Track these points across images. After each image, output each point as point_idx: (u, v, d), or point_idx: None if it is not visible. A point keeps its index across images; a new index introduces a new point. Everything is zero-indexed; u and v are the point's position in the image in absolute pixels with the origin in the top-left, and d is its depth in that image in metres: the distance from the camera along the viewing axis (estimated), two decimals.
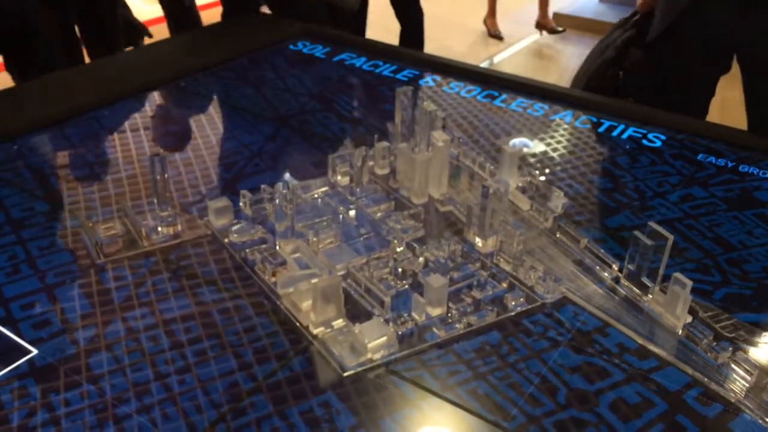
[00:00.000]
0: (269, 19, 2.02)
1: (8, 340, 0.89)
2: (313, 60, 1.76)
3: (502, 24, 4.36)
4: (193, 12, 2.97)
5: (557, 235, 1.09)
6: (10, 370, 0.84)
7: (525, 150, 1.36)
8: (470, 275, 1.00)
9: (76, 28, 2.40)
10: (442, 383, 0.84)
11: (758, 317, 0.94)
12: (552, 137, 1.42)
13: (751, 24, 1.61)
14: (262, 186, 1.13)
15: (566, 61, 4.03)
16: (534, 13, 4.34)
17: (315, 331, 0.90)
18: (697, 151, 1.35)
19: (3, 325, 0.91)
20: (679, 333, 0.91)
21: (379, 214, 1.12)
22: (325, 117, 1.49)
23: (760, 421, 0.80)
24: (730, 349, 0.87)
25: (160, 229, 1.08)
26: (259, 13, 2.12)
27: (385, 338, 0.87)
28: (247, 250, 1.04)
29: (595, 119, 1.47)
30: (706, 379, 0.85)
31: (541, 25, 4.36)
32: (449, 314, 0.93)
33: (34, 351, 0.87)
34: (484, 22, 4.41)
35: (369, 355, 0.86)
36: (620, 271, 1.00)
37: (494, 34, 4.35)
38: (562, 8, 4.48)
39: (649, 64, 1.81)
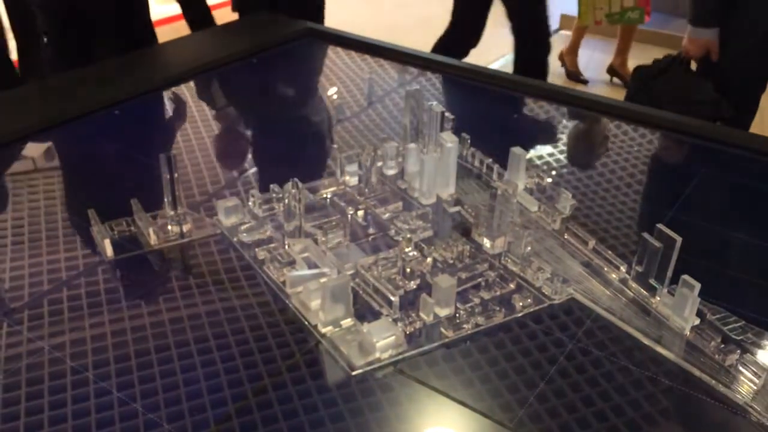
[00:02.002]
0: (277, 20, 2.02)
1: (19, 334, 0.90)
2: (321, 60, 1.76)
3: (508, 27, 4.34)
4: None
5: (565, 237, 1.09)
6: (21, 364, 0.85)
7: (533, 152, 1.36)
8: (478, 276, 1.00)
9: None
10: (449, 383, 0.84)
11: (766, 320, 0.94)
12: (560, 139, 1.42)
13: None
14: (271, 186, 1.14)
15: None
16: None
17: (323, 330, 0.90)
18: (707, 154, 1.35)
19: (14, 320, 0.92)
20: (687, 335, 0.92)
21: (387, 215, 1.13)
22: (333, 117, 1.50)
23: None
24: (738, 351, 0.87)
25: (169, 227, 1.08)
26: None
27: (393, 338, 0.87)
28: (256, 249, 1.04)
29: (604, 121, 1.47)
30: (713, 381, 0.85)
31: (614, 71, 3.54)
32: (457, 314, 0.93)
33: (45, 346, 0.88)
34: (561, 57, 3.55)
35: (377, 355, 0.87)
36: (628, 272, 1.00)
37: (574, 76, 3.50)
38: (572, 11, 4.46)
39: None
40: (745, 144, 1.38)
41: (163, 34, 2.07)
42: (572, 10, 4.17)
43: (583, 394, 0.83)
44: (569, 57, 3.64)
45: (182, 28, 2.15)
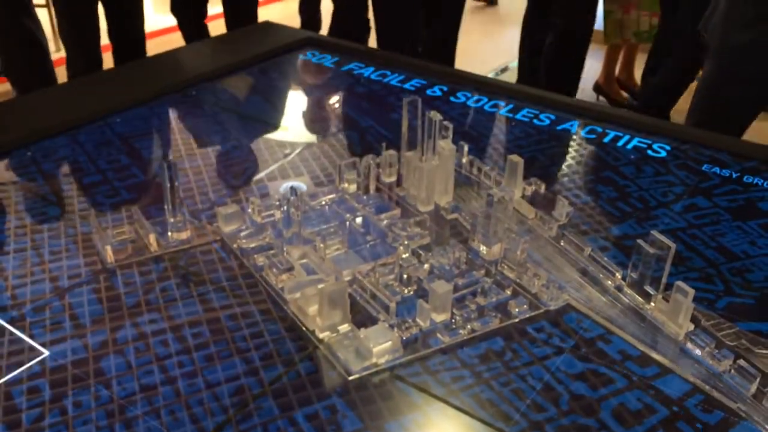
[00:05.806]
0: (278, 29, 2.04)
1: (21, 341, 0.91)
2: (321, 69, 1.78)
3: (508, 35, 4.36)
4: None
5: (561, 244, 1.10)
6: (22, 371, 0.86)
7: (530, 159, 1.37)
8: (474, 282, 1.01)
9: None
10: (445, 388, 0.85)
11: (760, 326, 0.95)
12: (557, 146, 1.43)
13: None
14: (271, 193, 1.15)
15: None
16: None
17: (321, 336, 0.91)
18: (701, 161, 1.36)
19: (16, 327, 0.93)
20: (681, 341, 0.92)
21: (385, 221, 1.14)
22: (333, 125, 1.51)
23: (761, 429, 0.81)
24: (732, 357, 0.88)
25: (170, 234, 1.10)
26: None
27: (389, 343, 0.88)
28: (255, 256, 1.05)
29: (600, 129, 1.48)
30: (707, 387, 0.86)
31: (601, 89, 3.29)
32: (453, 320, 0.94)
33: (46, 353, 0.89)
34: (596, 88, 3.26)
35: (374, 360, 0.87)
36: (623, 279, 1.01)
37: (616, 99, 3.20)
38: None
39: None
40: (742, 151, 1.39)
41: (160, 45, 2.10)
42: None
43: (579, 400, 0.84)
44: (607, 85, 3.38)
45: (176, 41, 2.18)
